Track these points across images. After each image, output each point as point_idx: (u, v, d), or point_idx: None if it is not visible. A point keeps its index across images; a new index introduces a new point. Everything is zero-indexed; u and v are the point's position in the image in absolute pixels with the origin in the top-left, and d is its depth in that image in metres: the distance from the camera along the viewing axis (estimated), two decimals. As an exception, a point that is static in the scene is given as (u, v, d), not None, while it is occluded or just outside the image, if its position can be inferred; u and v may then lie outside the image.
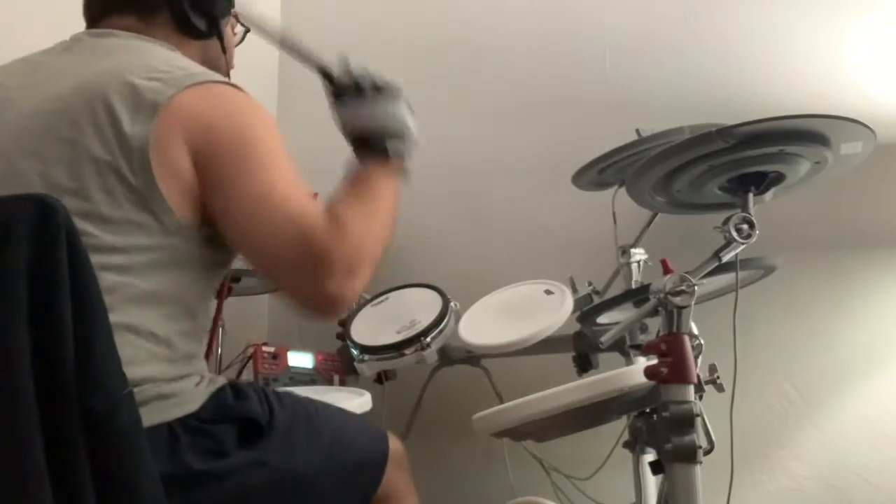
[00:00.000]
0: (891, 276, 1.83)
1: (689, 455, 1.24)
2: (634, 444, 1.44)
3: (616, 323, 1.48)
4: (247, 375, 1.99)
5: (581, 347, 1.75)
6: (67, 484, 0.76)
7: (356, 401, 1.62)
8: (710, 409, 1.29)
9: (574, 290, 1.75)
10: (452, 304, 1.77)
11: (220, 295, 1.91)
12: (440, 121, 2.17)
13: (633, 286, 1.74)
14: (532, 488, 1.88)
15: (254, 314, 2.43)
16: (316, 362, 2.05)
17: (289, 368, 2.00)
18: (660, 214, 1.74)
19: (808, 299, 1.88)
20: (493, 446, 1.89)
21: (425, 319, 1.72)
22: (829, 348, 1.85)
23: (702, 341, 1.33)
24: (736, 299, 1.44)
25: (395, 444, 1.19)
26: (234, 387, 1.04)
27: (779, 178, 1.41)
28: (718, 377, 1.34)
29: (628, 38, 2.18)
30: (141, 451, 0.82)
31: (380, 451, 1.16)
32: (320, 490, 1.06)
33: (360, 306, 1.88)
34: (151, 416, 0.89)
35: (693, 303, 1.29)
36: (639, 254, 1.78)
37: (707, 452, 1.26)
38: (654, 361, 1.29)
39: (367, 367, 1.76)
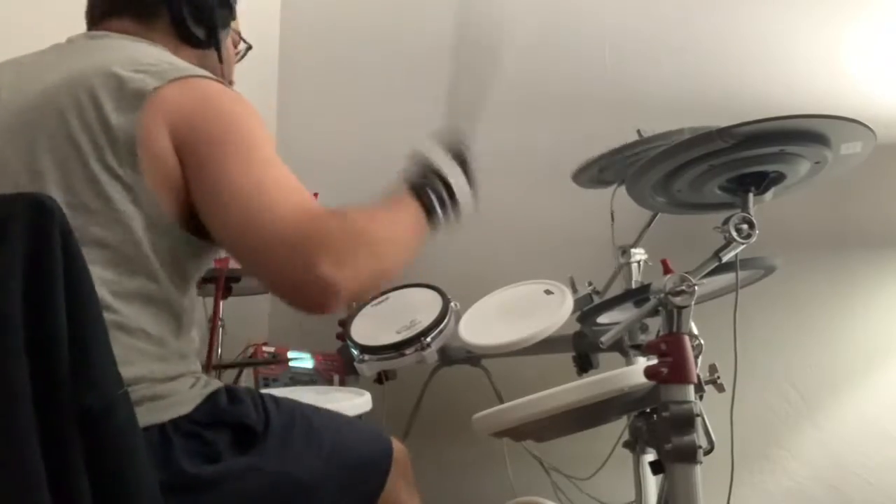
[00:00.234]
0: (891, 275, 1.83)
1: (690, 455, 1.24)
2: (635, 444, 1.44)
3: (616, 323, 1.48)
4: (247, 375, 1.99)
5: (581, 347, 1.75)
6: (64, 484, 0.75)
7: (356, 401, 1.62)
8: (710, 409, 1.29)
9: (574, 290, 1.75)
10: (452, 304, 1.77)
11: (218, 295, 1.92)
12: (440, 120, 2.17)
13: (634, 286, 1.74)
14: (532, 488, 1.88)
15: (254, 314, 2.43)
16: (316, 362, 2.05)
17: (289, 368, 2.00)
18: (660, 214, 1.74)
19: (808, 299, 1.88)
20: (493, 446, 1.88)
21: (425, 319, 1.72)
22: (829, 348, 1.85)
23: (702, 341, 1.33)
24: (736, 299, 1.43)
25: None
26: (230, 391, 1.03)
27: (779, 178, 1.41)
28: (719, 377, 1.34)
29: (629, 38, 2.18)
30: (138, 450, 0.82)
31: (381, 451, 1.15)
32: (322, 495, 1.04)
33: (361, 306, 1.88)
34: (144, 417, 0.87)
35: (693, 303, 1.29)
36: (639, 254, 1.78)
37: (707, 452, 1.26)
38: (654, 361, 1.29)
39: (368, 368, 1.76)
